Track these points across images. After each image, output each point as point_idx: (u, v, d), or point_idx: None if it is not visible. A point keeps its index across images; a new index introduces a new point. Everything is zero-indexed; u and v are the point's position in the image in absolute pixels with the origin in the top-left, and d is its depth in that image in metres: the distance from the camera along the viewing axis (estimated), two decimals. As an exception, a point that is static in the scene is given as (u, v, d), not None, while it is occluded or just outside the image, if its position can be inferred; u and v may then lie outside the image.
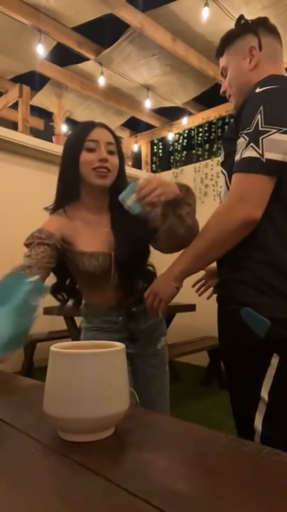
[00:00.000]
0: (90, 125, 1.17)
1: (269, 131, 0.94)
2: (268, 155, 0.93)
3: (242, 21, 1.18)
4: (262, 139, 0.94)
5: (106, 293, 1.21)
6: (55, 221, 1.17)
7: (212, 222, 1.03)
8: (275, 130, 0.94)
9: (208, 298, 1.35)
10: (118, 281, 1.18)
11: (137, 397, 1.14)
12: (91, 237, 1.17)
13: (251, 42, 1.14)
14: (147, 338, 1.28)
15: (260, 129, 0.95)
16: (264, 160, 0.93)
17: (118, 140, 1.20)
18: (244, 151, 0.96)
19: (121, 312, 1.23)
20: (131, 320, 1.24)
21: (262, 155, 0.93)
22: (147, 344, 1.28)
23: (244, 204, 0.95)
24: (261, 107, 0.96)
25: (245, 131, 0.97)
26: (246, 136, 0.97)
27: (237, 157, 0.98)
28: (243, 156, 0.96)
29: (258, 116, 0.96)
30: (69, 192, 1.20)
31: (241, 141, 0.98)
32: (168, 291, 1.09)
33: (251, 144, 0.95)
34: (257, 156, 0.94)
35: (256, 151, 0.94)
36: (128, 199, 0.98)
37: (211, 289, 1.34)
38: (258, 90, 1.00)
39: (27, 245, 1.12)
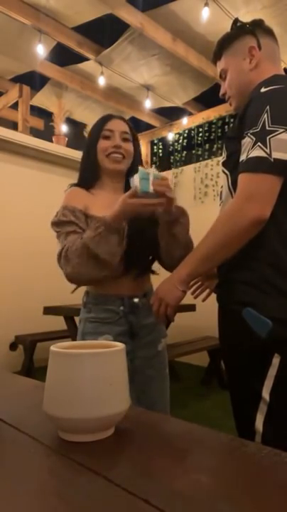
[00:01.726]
0: (108, 117, 1.32)
1: (277, 131, 0.94)
2: (276, 154, 0.93)
3: (238, 24, 1.18)
4: (269, 138, 0.94)
5: (118, 261, 1.17)
6: (77, 192, 1.28)
7: (219, 223, 1.02)
8: (282, 130, 0.93)
9: (203, 300, 1.34)
10: (127, 248, 1.16)
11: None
12: (106, 211, 1.18)
13: (250, 42, 1.14)
14: (147, 335, 1.28)
15: (267, 128, 0.94)
16: (272, 160, 0.93)
17: (133, 130, 1.33)
18: (251, 150, 0.95)
19: (124, 301, 1.24)
20: (132, 311, 1.24)
21: (270, 154, 0.93)
22: (147, 344, 1.28)
23: (252, 204, 0.95)
24: (268, 107, 0.96)
25: (251, 131, 0.97)
26: (252, 136, 0.96)
27: (243, 157, 0.98)
28: (250, 155, 0.95)
29: (265, 115, 0.95)
30: (88, 176, 1.32)
31: (247, 141, 0.97)
32: (174, 295, 1.07)
33: (259, 143, 0.94)
34: (265, 155, 0.93)
35: (264, 150, 0.94)
36: (144, 179, 1.04)
37: (207, 291, 1.34)
38: (263, 90, 1.00)
39: (56, 225, 1.21)
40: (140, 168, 1.06)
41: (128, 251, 1.17)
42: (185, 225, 1.21)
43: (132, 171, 1.24)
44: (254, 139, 0.95)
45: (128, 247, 1.16)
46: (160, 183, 1.05)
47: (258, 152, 0.94)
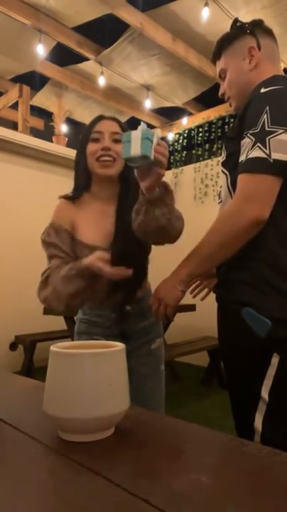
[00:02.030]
0: (98, 118, 1.22)
1: (276, 132, 0.93)
2: (276, 155, 0.93)
3: (238, 23, 1.18)
4: (269, 139, 0.93)
5: (101, 287, 1.16)
6: (63, 209, 1.21)
7: (218, 224, 1.02)
8: (282, 130, 0.93)
9: (202, 299, 1.34)
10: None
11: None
12: (94, 228, 1.18)
13: (250, 43, 1.14)
14: (141, 338, 1.27)
15: (267, 129, 0.94)
16: (271, 160, 0.93)
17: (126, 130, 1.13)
18: (250, 151, 0.95)
19: (115, 309, 1.22)
20: (124, 318, 1.23)
21: (269, 155, 0.93)
22: (141, 345, 1.27)
23: (251, 204, 0.95)
24: (267, 107, 0.96)
25: (251, 131, 0.97)
26: (251, 137, 0.96)
27: (243, 157, 0.98)
28: (249, 156, 0.95)
29: (265, 116, 0.95)
30: (80, 183, 1.23)
31: (247, 142, 0.97)
32: (174, 295, 1.08)
33: (258, 144, 0.94)
34: (264, 156, 0.93)
35: (263, 151, 0.93)
36: (147, 139, 0.84)
37: (205, 290, 1.34)
38: (263, 90, 1.00)
39: (43, 243, 1.20)
40: (143, 124, 0.86)
41: (113, 281, 1.08)
42: (170, 206, 1.01)
43: (125, 176, 1.18)
44: (254, 139, 0.95)
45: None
46: (160, 150, 0.88)
47: (257, 153, 0.94)
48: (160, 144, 0.90)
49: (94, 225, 1.17)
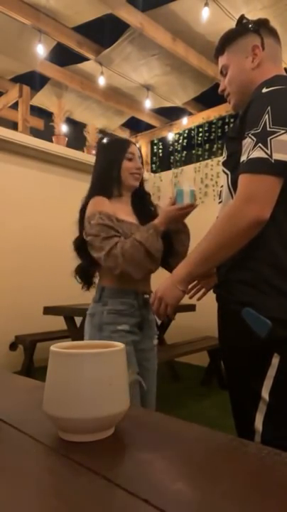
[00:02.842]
0: (129, 142, 1.56)
1: (278, 132, 0.93)
2: (277, 156, 0.92)
3: (244, 21, 1.17)
4: (270, 139, 0.93)
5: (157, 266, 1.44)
6: (104, 200, 1.44)
7: (219, 224, 1.02)
8: (283, 131, 0.93)
9: (199, 299, 1.34)
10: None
11: (144, 384, 1.31)
12: (127, 213, 1.49)
13: (254, 41, 1.13)
14: (148, 329, 1.47)
15: (268, 129, 0.94)
16: (273, 161, 0.92)
17: (141, 152, 1.61)
18: (252, 151, 0.95)
19: (138, 296, 1.43)
20: (144, 306, 1.44)
21: (270, 155, 0.93)
22: (147, 337, 1.47)
23: (252, 205, 0.95)
24: (269, 108, 0.95)
25: (252, 132, 0.97)
26: (253, 137, 0.96)
27: (244, 158, 0.97)
28: (250, 156, 0.95)
29: (266, 116, 0.95)
30: (111, 188, 1.51)
31: (248, 142, 0.97)
32: (174, 294, 1.08)
33: (259, 144, 0.94)
34: (265, 156, 0.93)
35: (265, 151, 0.93)
36: (193, 196, 1.39)
37: (203, 290, 1.34)
38: (264, 90, 1.00)
39: (99, 227, 1.36)
40: (190, 185, 1.40)
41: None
42: (188, 234, 1.55)
43: (140, 187, 1.58)
44: (255, 139, 0.95)
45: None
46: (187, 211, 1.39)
47: (258, 153, 0.94)
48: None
49: (129, 216, 1.51)
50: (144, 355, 1.44)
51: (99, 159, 1.57)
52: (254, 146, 0.95)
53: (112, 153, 1.53)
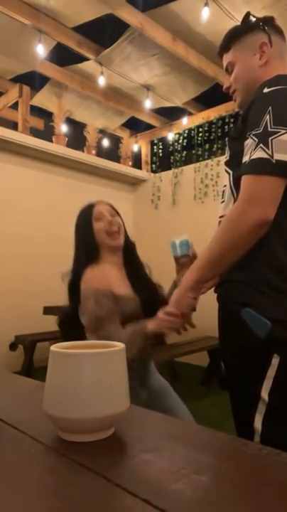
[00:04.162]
0: (92, 204, 1.44)
1: (279, 132, 0.93)
2: (278, 156, 0.92)
3: (250, 18, 1.15)
4: (271, 139, 0.93)
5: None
6: (97, 273, 1.34)
7: (223, 228, 1.01)
8: (284, 131, 0.92)
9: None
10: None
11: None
12: (121, 281, 1.37)
13: (262, 38, 1.12)
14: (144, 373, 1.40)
15: (269, 129, 0.94)
16: (274, 161, 0.92)
17: (114, 208, 1.47)
18: (253, 152, 0.95)
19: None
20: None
21: (272, 156, 0.92)
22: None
23: (255, 206, 0.94)
24: (270, 108, 0.95)
25: (253, 132, 0.96)
26: (254, 137, 0.95)
27: (246, 158, 0.97)
28: (252, 157, 0.95)
29: (267, 116, 0.94)
30: (92, 255, 1.39)
31: (250, 142, 0.97)
32: (186, 303, 1.09)
33: (261, 144, 0.94)
34: (267, 157, 0.92)
35: (266, 152, 0.93)
36: (185, 246, 1.35)
37: (202, 290, 1.34)
38: (266, 90, 0.99)
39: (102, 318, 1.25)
40: (186, 237, 1.34)
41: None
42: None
43: (128, 247, 1.43)
44: (256, 140, 0.95)
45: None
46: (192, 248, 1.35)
47: (260, 154, 0.93)
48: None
49: (123, 284, 1.37)
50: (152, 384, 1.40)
51: (75, 231, 1.47)
52: (256, 146, 0.94)
53: (81, 221, 1.44)
